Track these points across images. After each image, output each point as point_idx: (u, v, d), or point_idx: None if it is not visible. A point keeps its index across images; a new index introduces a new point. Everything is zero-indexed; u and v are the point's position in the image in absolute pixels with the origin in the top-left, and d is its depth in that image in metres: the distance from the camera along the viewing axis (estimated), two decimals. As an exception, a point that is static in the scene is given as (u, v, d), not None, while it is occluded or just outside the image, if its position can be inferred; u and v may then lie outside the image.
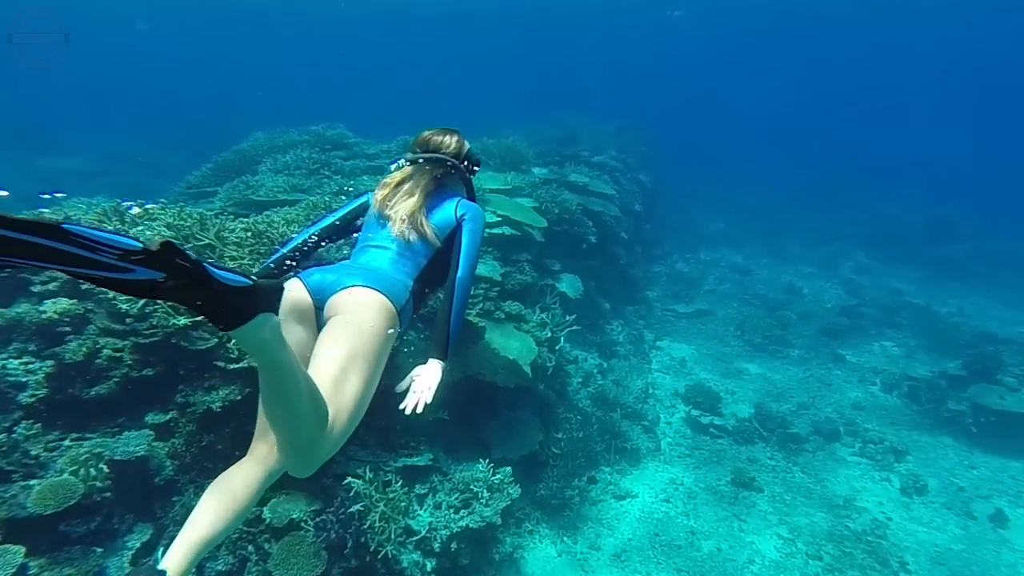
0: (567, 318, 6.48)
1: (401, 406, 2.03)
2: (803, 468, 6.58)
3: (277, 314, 1.46)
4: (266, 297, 1.38)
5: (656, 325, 10.05)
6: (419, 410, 2.03)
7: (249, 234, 4.56)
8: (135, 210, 4.24)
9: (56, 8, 16.65)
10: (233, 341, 3.81)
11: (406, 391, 2.16)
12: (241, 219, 4.99)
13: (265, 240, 4.55)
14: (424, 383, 2.12)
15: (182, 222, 4.27)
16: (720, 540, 5.41)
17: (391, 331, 2.06)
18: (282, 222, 4.87)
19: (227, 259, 4.24)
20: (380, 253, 2.30)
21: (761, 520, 5.69)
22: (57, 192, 3.93)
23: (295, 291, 2.08)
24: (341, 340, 1.91)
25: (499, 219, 6.59)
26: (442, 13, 27.76)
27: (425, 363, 2.22)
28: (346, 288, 2.04)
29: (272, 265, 2.46)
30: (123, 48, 38.22)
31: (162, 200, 4.99)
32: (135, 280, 1.02)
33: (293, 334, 2.00)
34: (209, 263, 1.15)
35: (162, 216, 4.26)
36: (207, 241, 4.29)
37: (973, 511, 6.00)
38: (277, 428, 1.71)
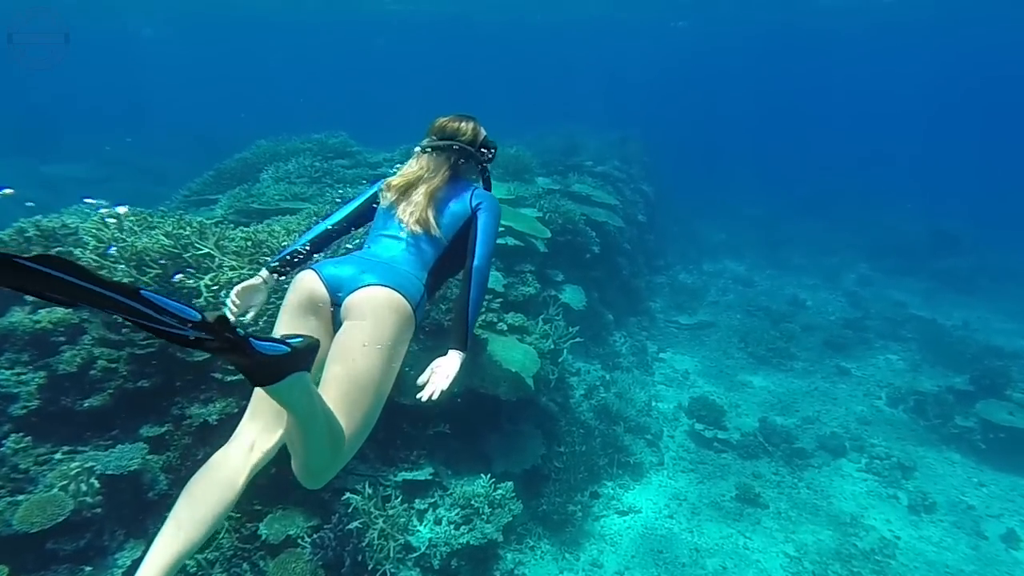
0: (570, 330, 6.40)
1: (418, 395, 2.03)
2: (809, 484, 6.47)
3: (310, 370, 1.55)
4: (301, 359, 1.47)
5: (659, 337, 9.97)
6: (435, 397, 2.04)
7: (249, 243, 4.50)
8: (103, 210, 4.22)
9: (61, 13, 16.70)
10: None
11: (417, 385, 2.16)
12: (242, 228, 4.94)
13: (265, 249, 4.49)
14: (443, 372, 2.11)
15: (181, 230, 4.22)
16: (725, 558, 5.29)
17: (407, 336, 2.08)
18: (283, 231, 4.82)
19: (226, 268, 4.18)
20: (393, 243, 2.27)
21: (767, 537, 5.58)
22: (5, 188, 3.95)
23: (310, 283, 2.08)
24: (358, 356, 1.93)
25: (502, 229, 6.54)
26: (445, 23, 27.88)
27: (445, 354, 2.21)
28: (363, 287, 2.02)
29: (276, 263, 2.44)
30: (128, 54, 38.41)
31: (162, 208, 4.95)
32: (185, 334, 1.13)
33: (307, 327, 2.05)
34: (254, 338, 1.28)
35: (161, 224, 4.19)
36: (206, 250, 4.24)
37: (984, 531, 5.88)
38: (293, 453, 1.78)
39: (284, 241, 4.57)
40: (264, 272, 2.43)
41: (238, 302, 2.40)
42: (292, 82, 47.86)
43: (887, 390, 8.56)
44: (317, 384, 1.89)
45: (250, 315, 2.48)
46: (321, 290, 2.06)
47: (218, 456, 1.88)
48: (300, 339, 1.49)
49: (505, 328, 5.59)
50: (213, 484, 1.78)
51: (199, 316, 1.12)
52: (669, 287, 12.19)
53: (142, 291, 1.04)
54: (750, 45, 31.93)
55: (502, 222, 6.53)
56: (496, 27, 29.31)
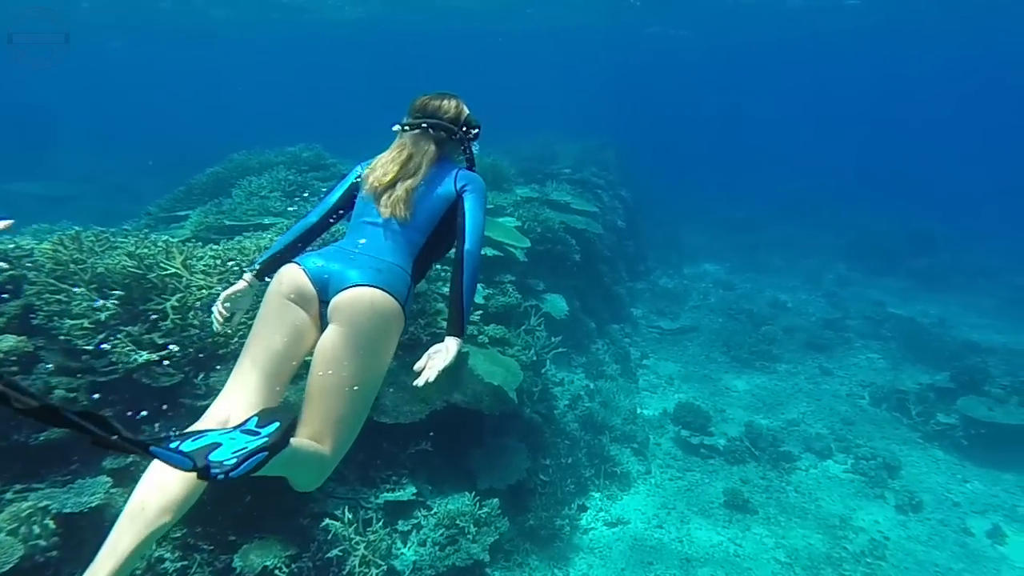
0: (552, 340, 6.32)
1: (415, 382, 1.98)
2: (797, 487, 6.44)
3: (289, 445, 1.57)
4: (278, 450, 1.48)
5: (642, 343, 9.92)
6: (431, 380, 1.98)
7: (218, 261, 4.35)
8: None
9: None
10: None
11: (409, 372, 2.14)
12: (211, 245, 4.78)
13: (235, 268, 4.34)
14: (440, 357, 2.03)
15: (145, 250, 4.05)
16: (716, 567, 5.21)
17: (396, 334, 2.07)
18: (254, 248, 4.66)
19: (194, 288, 4.02)
20: (376, 232, 2.18)
21: (757, 544, 5.52)
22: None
23: (296, 278, 2.02)
24: (343, 368, 1.89)
25: (481, 239, 6.44)
26: (415, 32, 27.83)
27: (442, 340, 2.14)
28: (350, 287, 1.96)
29: (260, 265, 2.36)
30: (97, 68, 37.68)
31: (126, 226, 4.77)
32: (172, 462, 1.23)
33: (294, 321, 2.00)
34: (233, 470, 1.32)
35: (123, 244, 4.02)
36: (173, 270, 4.07)
37: (970, 527, 5.89)
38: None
39: (255, 257, 4.42)
40: (248, 275, 2.36)
41: (224, 312, 2.36)
42: (265, 95, 47.42)
43: (869, 389, 8.61)
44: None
45: (236, 318, 2.44)
46: (308, 286, 2.01)
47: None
48: (276, 426, 1.47)
49: (486, 340, 5.49)
50: (165, 485, 1.63)
51: (191, 464, 1.23)
52: (650, 292, 12.18)
53: (151, 448, 1.14)
54: (723, 48, 32.35)
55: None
56: (467, 35, 29.34)
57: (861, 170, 31.55)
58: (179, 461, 1.22)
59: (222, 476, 1.28)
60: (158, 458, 1.19)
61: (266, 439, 1.42)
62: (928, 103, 45.10)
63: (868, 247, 16.25)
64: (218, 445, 1.36)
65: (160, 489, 1.60)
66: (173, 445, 1.29)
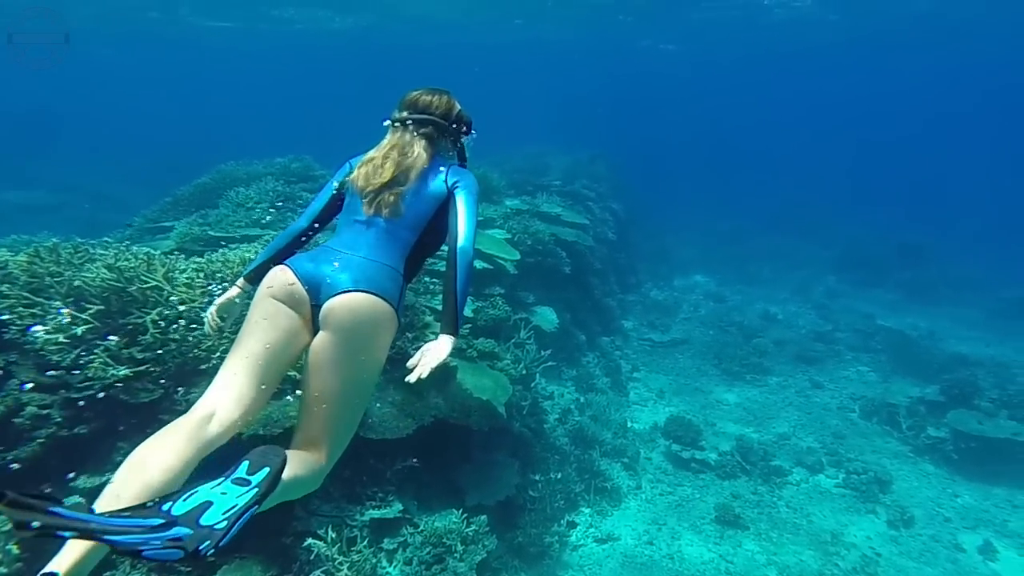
0: (542, 353, 6.26)
1: (407, 378, 1.94)
2: (788, 502, 6.39)
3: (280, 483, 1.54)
4: (266, 498, 1.44)
5: (632, 356, 9.88)
6: (423, 376, 1.93)
7: (201, 274, 4.27)
8: None
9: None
10: None
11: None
12: (194, 258, 4.69)
13: (219, 279, 4.25)
14: (434, 355, 1.99)
15: (126, 263, 3.96)
16: (707, 585, 5.15)
17: (389, 338, 2.05)
18: (238, 261, 4.58)
19: (175, 301, 3.94)
20: (367, 231, 2.14)
21: (749, 561, 5.45)
22: None
23: (287, 280, 2.00)
24: (338, 376, 1.91)
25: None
26: (406, 44, 27.89)
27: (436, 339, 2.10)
28: (341, 292, 1.93)
29: (252, 271, 2.32)
30: (86, 76, 37.47)
31: (106, 238, 4.67)
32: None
33: (284, 322, 1.97)
34: (225, 536, 1.27)
35: (103, 256, 3.93)
36: (154, 283, 3.98)
37: (961, 543, 5.86)
38: None
39: (239, 270, 4.34)
40: (240, 281, 2.35)
41: (218, 321, 2.36)
42: (255, 106, 47.34)
43: (860, 403, 8.60)
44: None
45: (228, 324, 2.41)
46: (298, 288, 1.98)
47: (170, 426, 1.71)
48: (266, 473, 1.42)
49: (475, 355, 5.42)
50: (152, 457, 1.58)
51: (182, 555, 1.19)
52: (641, 305, 12.16)
53: (143, 552, 1.15)
54: (711, 62, 32.67)
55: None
56: (457, 47, 29.43)
57: (849, 182, 31.89)
58: (169, 555, 1.19)
59: (214, 550, 1.22)
60: (151, 560, 1.18)
61: (256, 489, 1.37)
62: (913, 115, 45.71)
63: (857, 259, 16.38)
64: (209, 505, 1.29)
65: (139, 473, 1.54)
66: (165, 508, 1.25)
